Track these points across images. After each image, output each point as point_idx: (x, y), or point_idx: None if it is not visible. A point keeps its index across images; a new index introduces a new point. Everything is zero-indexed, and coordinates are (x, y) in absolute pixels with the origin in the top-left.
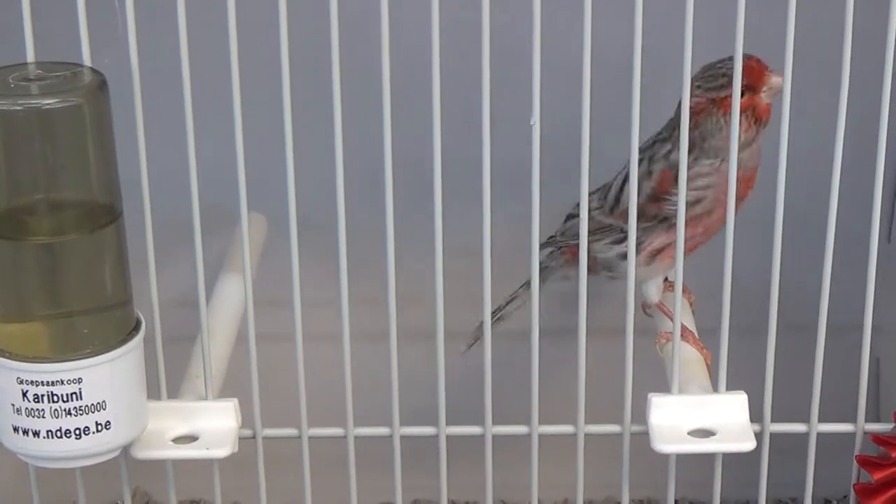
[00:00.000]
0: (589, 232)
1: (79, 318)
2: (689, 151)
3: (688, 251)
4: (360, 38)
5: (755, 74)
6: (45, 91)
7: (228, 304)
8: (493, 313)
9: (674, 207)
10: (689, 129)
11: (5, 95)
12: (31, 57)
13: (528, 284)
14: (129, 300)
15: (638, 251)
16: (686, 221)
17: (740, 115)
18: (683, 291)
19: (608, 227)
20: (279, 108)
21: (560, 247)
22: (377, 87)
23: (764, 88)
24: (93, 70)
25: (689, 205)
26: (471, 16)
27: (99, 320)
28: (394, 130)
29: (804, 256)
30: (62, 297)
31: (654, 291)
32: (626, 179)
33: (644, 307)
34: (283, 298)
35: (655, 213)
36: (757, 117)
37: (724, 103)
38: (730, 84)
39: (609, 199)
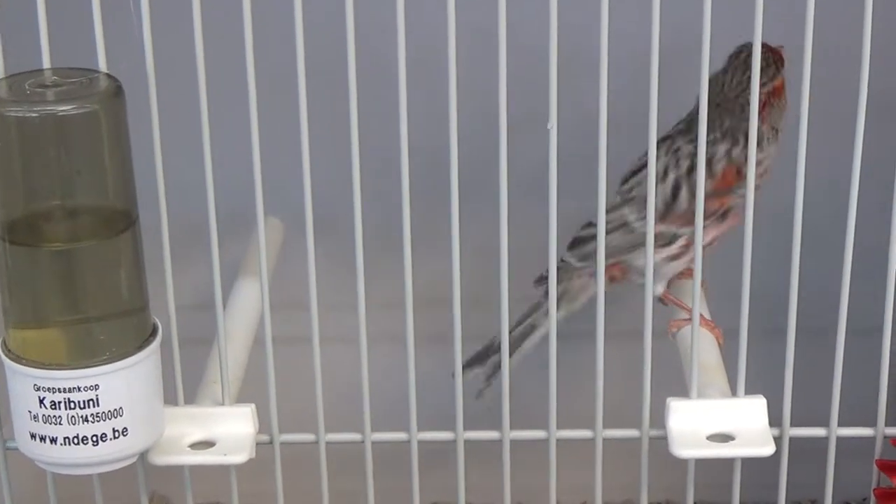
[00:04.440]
0: (629, 246)
1: (95, 324)
2: (758, 143)
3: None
4: (376, 40)
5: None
6: (61, 97)
7: (245, 309)
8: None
9: (741, 199)
10: (742, 120)
11: (21, 102)
12: (46, 63)
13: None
14: (146, 306)
15: (689, 251)
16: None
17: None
18: (704, 324)
19: (657, 235)
20: (295, 112)
21: (577, 270)
22: (394, 89)
23: (783, 70)
24: (109, 76)
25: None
26: (486, 16)
27: (115, 326)
28: (410, 133)
29: (823, 259)
30: (79, 304)
31: (661, 286)
32: (676, 184)
33: (664, 298)
34: (300, 302)
35: (716, 209)
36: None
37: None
38: (778, 70)
39: (658, 206)
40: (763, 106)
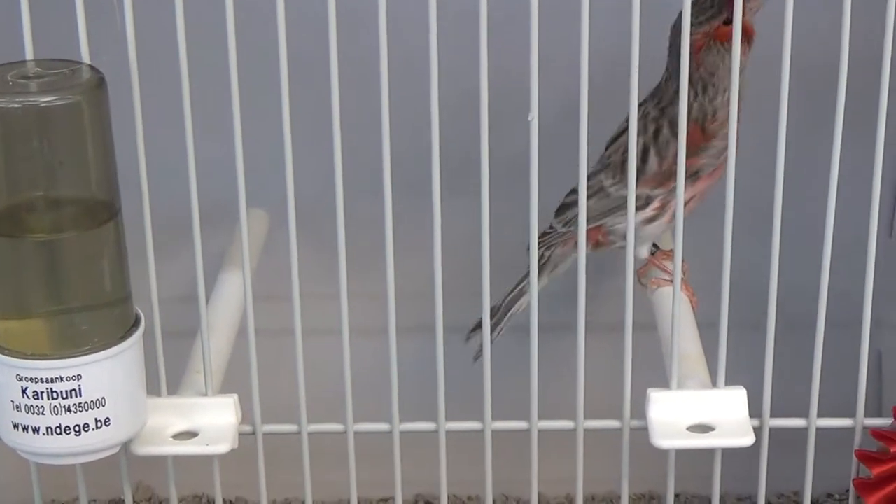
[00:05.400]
0: (606, 210)
1: (78, 314)
2: (703, 91)
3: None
4: (358, 33)
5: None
6: (43, 88)
7: (229, 300)
8: (496, 311)
9: (709, 159)
10: (693, 69)
11: (4, 93)
12: (29, 54)
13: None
14: (129, 297)
15: (663, 212)
16: (717, 167)
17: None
18: (686, 289)
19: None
20: (278, 104)
21: (562, 236)
22: (375, 81)
23: (748, 9)
24: (91, 67)
25: (722, 150)
26: (468, 8)
27: (98, 317)
28: (392, 125)
29: (804, 250)
30: (61, 294)
31: (646, 248)
32: (644, 148)
33: (640, 276)
34: (284, 293)
35: (686, 169)
36: (748, 38)
37: (718, 32)
38: (720, 10)
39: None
40: (698, 48)
